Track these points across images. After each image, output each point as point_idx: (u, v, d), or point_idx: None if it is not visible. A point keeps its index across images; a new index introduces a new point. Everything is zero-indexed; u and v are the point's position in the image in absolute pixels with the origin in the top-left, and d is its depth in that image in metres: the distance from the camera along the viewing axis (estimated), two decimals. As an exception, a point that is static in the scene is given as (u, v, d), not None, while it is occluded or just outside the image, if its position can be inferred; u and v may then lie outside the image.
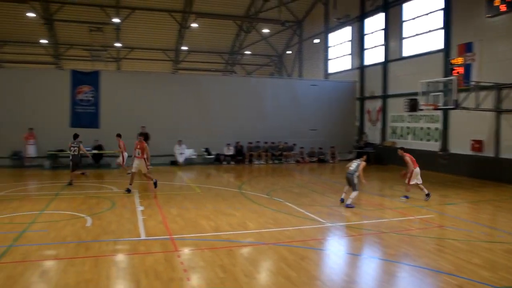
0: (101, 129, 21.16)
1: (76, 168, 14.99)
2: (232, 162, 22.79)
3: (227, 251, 7.71)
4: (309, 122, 24.91)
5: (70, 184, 14.57)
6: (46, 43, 35.23)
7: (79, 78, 21.23)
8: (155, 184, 13.71)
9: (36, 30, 32.91)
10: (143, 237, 8.54)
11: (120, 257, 7.45)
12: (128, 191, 13.31)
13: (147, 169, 13.69)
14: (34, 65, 34.73)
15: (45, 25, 32.26)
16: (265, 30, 34.28)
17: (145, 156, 13.54)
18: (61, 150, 20.03)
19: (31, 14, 29.66)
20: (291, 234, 8.92)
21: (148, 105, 21.94)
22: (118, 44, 35.12)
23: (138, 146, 13.59)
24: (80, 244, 8.00)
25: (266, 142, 23.87)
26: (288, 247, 7.97)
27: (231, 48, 39.41)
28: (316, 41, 32.02)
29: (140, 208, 11.14)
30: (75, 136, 15.15)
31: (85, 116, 21.18)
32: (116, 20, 30.96)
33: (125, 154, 17.67)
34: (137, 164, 13.64)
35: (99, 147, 20.70)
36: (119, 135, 17.66)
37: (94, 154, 20.48)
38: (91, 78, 21.35)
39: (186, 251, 7.78)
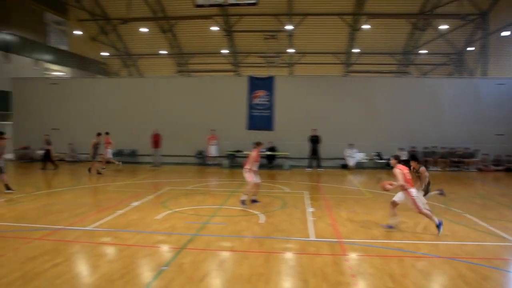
0: (275, 131, 22.21)
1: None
2: (405, 168, 21.57)
3: (398, 260, 7.26)
4: (494, 126, 22.10)
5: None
6: (227, 52, 38.51)
7: (256, 84, 22.61)
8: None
9: (218, 41, 36.52)
10: (312, 238, 8.58)
11: (290, 255, 7.61)
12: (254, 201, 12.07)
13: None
14: (216, 73, 38.21)
15: (225, 37, 35.50)
16: (443, 26, 31.66)
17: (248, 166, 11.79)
18: (239, 151, 21.64)
19: (214, 28, 33.01)
20: (471, 250, 7.97)
21: (319, 108, 22.27)
22: (290, 50, 36.43)
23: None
24: (254, 239, 8.44)
25: (443, 147, 22.02)
26: (467, 263, 7.13)
27: (404, 48, 37.53)
28: (506, 33, 28.37)
29: (310, 210, 11.26)
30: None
31: (260, 119, 22.47)
32: (289, 27, 32.20)
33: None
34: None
35: (272, 149, 21.71)
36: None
37: (268, 155, 21.56)
38: (266, 83, 22.55)
39: (354, 256, 7.57)
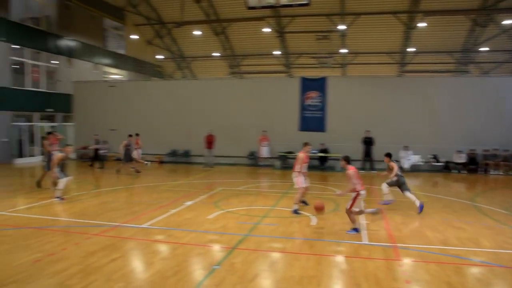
0: (327, 133, 21.97)
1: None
2: (464, 171, 20.67)
3: (455, 268, 6.95)
4: None
5: None
6: (279, 54, 38.53)
7: (308, 85, 22.46)
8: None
9: (270, 43, 36.62)
10: (365, 241, 8.40)
11: (342, 259, 7.48)
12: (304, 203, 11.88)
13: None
14: (268, 74, 38.32)
15: (277, 38, 35.55)
16: (507, 22, 29.98)
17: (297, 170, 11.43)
18: (290, 152, 21.57)
19: (266, 30, 33.16)
20: (539, 259, 7.51)
21: (373, 109, 21.78)
22: (343, 50, 35.92)
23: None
24: (305, 241, 8.38)
25: (506, 150, 20.86)
26: (534, 274, 6.73)
27: (463, 46, 35.98)
28: None
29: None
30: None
31: (312, 120, 22.30)
32: (341, 27, 31.75)
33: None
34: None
35: (324, 151, 21.48)
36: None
37: (320, 156, 21.36)
38: (319, 84, 22.34)
39: (409, 261, 7.32)
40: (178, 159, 23.89)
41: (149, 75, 37.90)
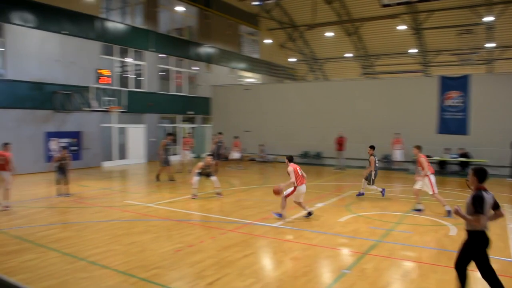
0: (469, 136, 20.24)
1: None
2: None
3: None
4: None
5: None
6: (415, 52, 36.56)
7: (448, 84, 20.93)
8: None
9: (406, 41, 34.93)
10: (514, 257, 7.60)
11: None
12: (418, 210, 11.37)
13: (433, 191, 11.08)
14: (403, 74, 36.61)
15: (413, 35, 33.73)
16: None
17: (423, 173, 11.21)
18: (427, 156, 20.27)
19: (401, 27, 31.74)
20: None
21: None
22: (490, 45, 32.71)
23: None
24: (442, 252, 7.84)
25: None
26: None
27: None
28: None
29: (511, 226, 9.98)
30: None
31: (452, 122, 20.74)
32: (488, 18, 28.92)
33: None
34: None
35: (465, 155, 19.82)
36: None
37: (461, 162, 19.80)
38: (460, 83, 20.67)
39: None
40: (310, 161, 24.08)
41: (282, 78, 38.88)
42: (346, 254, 7.82)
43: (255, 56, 36.40)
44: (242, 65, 34.19)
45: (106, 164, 22.28)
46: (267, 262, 7.49)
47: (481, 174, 5.34)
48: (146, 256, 7.39)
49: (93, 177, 17.96)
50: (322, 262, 7.37)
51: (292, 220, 10.25)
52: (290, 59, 40.91)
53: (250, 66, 35.27)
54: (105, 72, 20.48)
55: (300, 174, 10.26)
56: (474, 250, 5.30)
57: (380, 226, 9.75)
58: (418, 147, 11.68)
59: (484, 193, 5.25)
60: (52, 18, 19.83)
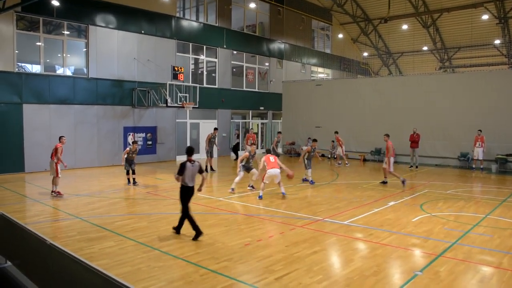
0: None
1: None
2: None
3: None
4: None
5: None
6: (500, 43, 34.18)
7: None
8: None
9: (489, 32, 32.63)
10: None
11: None
12: None
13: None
14: (486, 67, 34.40)
15: (498, 25, 31.49)
16: None
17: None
18: (510, 155, 19.02)
19: (484, 17, 29.82)
20: None
21: None
22: None
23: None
24: (526, 258, 7.31)
25: None
26: None
27: None
28: None
29: None
30: None
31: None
32: None
33: (391, 159, 15.23)
34: None
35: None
36: (387, 135, 15.65)
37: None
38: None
39: None
40: (382, 158, 23.36)
41: (355, 73, 38.07)
42: (418, 255, 7.54)
43: (327, 51, 35.94)
44: (313, 60, 33.91)
45: (180, 158, 23.13)
46: (336, 260, 7.41)
47: None
48: (216, 249, 7.61)
49: (167, 171, 18.72)
50: (393, 262, 7.16)
51: (362, 218, 10.05)
52: (363, 54, 39.94)
53: (322, 61, 34.88)
54: (179, 69, 21.26)
55: (271, 161, 12.57)
56: None
57: (456, 227, 9.28)
58: (387, 135, 15.25)
59: None
60: (131, 19, 20.90)
